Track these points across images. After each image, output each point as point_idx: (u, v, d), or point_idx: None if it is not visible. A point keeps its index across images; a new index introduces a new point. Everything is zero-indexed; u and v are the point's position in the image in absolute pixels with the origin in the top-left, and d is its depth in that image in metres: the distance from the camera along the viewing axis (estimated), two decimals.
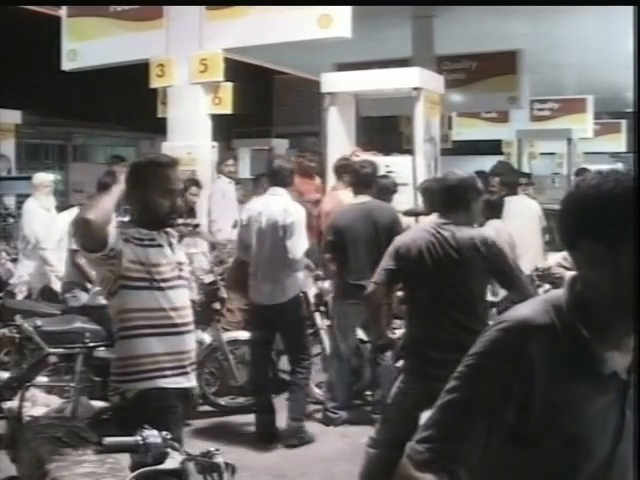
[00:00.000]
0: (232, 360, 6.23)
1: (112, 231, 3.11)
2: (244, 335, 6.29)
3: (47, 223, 7.72)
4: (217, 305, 6.16)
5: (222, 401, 6.33)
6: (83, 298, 6.21)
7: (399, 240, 4.18)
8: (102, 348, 5.38)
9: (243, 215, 5.84)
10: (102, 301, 5.50)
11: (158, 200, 3.26)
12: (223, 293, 6.22)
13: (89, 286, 6.04)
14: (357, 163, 6.46)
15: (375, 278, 4.15)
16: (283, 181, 5.74)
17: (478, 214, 4.21)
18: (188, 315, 3.35)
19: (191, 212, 7.49)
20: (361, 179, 6.14)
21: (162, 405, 3.18)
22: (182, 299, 3.34)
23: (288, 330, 5.78)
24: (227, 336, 6.30)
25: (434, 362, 3.73)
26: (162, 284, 3.24)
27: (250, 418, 6.15)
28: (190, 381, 3.36)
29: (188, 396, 3.38)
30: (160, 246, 3.28)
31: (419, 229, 4.32)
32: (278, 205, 5.61)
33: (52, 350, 5.30)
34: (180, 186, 3.42)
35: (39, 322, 5.38)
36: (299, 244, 5.55)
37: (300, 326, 5.86)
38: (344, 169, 7.02)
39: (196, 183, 7.61)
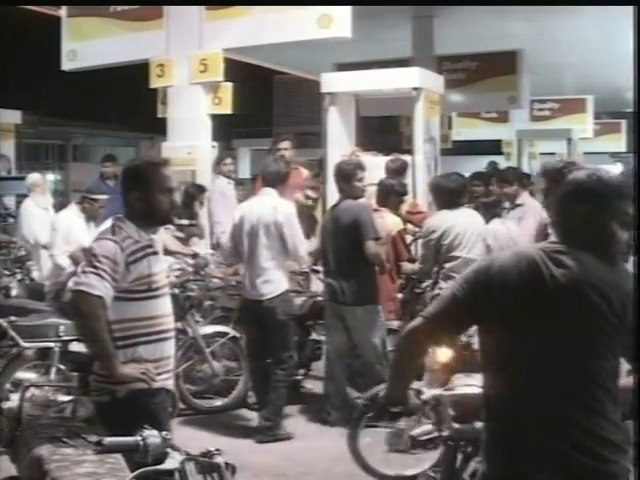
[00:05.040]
0: (209, 355, 6.19)
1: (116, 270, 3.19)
2: (219, 329, 6.36)
3: (45, 223, 7.70)
4: (193, 293, 6.28)
5: (200, 401, 6.25)
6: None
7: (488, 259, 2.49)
8: (76, 342, 5.37)
9: (235, 215, 5.94)
10: None
11: (157, 198, 3.35)
12: (194, 291, 6.30)
13: None
14: (339, 162, 6.45)
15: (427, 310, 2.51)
16: (272, 182, 5.84)
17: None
18: (172, 321, 3.47)
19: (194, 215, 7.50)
20: (340, 178, 6.14)
21: (152, 402, 3.26)
22: (169, 305, 3.46)
23: (273, 327, 5.77)
24: (203, 330, 6.28)
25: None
26: (156, 292, 3.34)
27: (249, 417, 6.16)
28: (172, 384, 3.50)
29: (171, 398, 3.50)
30: (156, 253, 3.38)
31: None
32: (267, 204, 5.74)
33: (27, 345, 5.30)
34: (175, 184, 3.51)
35: (13, 317, 5.38)
36: (298, 241, 5.69)
37: (284, 324, 5.81)
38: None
39: (201, 189, 7.59)
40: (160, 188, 3.37)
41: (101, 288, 3.15)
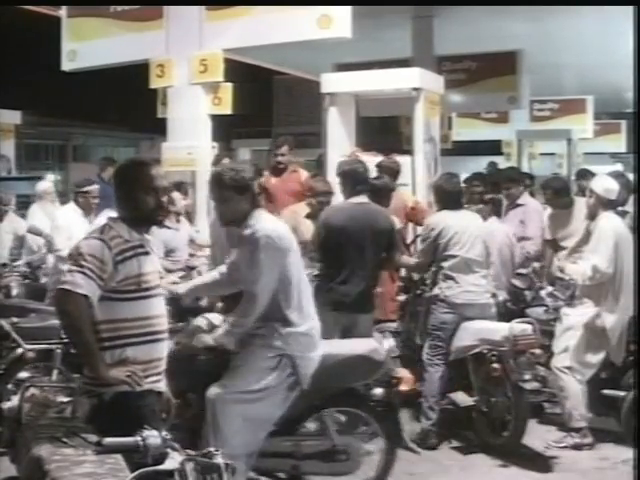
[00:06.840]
0: None
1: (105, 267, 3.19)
2: None
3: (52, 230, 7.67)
4: None
5: None
6: None
7: None
8: None
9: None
10: None
11: (142, 198, 3.33)
12: None
13: None
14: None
15: None
16: None
17: None
18: (165, 323, 3.42)
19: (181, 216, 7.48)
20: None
21: (139, 405, 3.22)
22: (162, 307, 3.42)
23: None
24: None
25: None
26: (147, 292, 3.31)
27: None
28: (163, 386, 3.42)
29: (163, 400, 3.44)
30: (147, 253, 3.36)
31: None
32: None
33: (29, 346, 5.31)
34: (165, 184, 3.45)
35: (15, 319, 5.40)
36: None
37: None
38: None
39: (179, 188, 7.49)
40: (145, 188, 3.32)
41: (86, 287, 3.12)
